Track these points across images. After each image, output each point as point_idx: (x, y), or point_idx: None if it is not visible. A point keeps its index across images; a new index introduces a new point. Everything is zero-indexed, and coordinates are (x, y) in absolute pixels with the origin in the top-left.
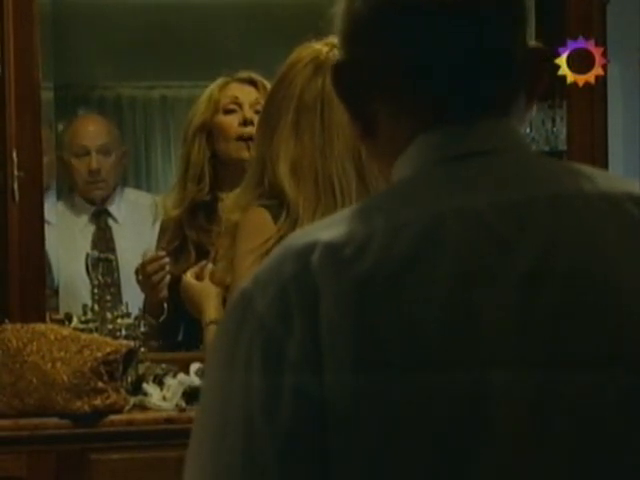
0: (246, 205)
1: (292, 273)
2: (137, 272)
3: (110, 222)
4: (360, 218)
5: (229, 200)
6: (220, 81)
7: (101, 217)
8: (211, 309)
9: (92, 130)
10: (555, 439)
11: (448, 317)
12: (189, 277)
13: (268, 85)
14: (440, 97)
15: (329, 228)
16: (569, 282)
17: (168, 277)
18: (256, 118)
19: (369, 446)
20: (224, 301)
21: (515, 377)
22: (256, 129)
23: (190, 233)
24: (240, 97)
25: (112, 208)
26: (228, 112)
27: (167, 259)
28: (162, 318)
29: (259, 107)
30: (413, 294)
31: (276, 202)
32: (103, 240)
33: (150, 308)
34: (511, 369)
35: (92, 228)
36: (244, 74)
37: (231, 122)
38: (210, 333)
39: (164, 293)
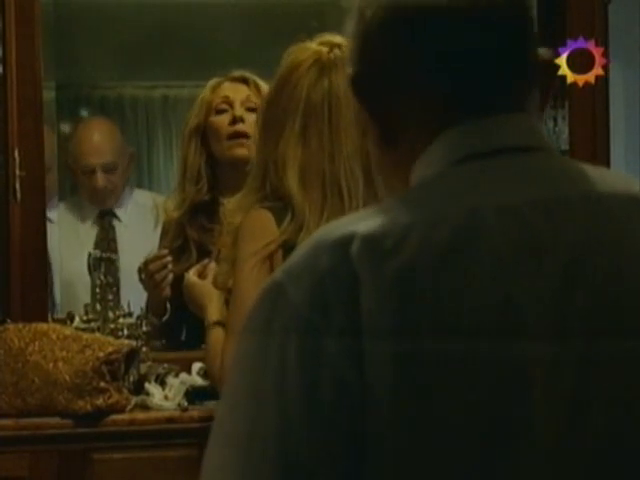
0: (248, 207)
1: (329, 264)
2: (140, 271)
3: (115, 223)
4: (396, 211)
5: (231, 203)
6: (212, 82)
7: (105, 218)
8: (214, 310)
9: (96, 144)
10: (598, 407)
11: (488, 304)
12: (192, 275)
13: (260, 82)
14: (463, 96)
15: (365, 220)
16: (605, 268)
17: (171, 276)
18: (247, 115)
19: (412, 435)
20: (226, 302)
21: (555, 349)
22: (257, 132)
23: (191, 233)
24: (231, 96)
25: (118, 210)
26: (220, 112)
27: (170, 258)
28: (165, 317)
29: (251, 104)
30: (453, 284)
31: (280, 204)
32: (106, 240)
33: (153, 307)
34: (552, 343)
35: (96, 229)
36: (236, 73)
37: (222, 122)
38: (212, 334)
39: (167, 292)
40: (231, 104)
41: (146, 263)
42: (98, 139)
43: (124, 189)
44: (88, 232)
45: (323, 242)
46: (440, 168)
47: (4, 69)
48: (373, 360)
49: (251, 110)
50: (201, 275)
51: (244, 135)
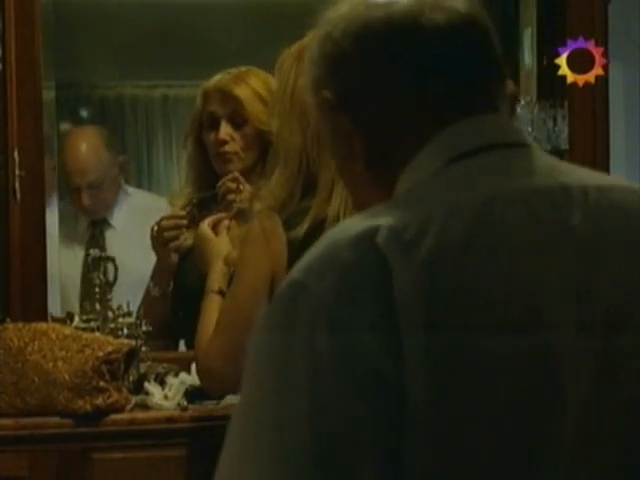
0: (277, 201)
1: (354, 257)
2: (152, 230)
3: (107, 230)
4: (409, 205)
5: (264, 189)
6: (204, 87)
7: (97, 227)
8: (218, 277)
9: (81, 164)
10: (620, 399)
11: (510, 296)
12: (206, 227)
13: (243, 96)
14: (448, 101)
15: (381, 215)
16: (618, 252)
17: (181, 240)
18: (233, 133)
19: (447, 420)
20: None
21: (579, 341)
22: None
23: (199, 216)
24: (216, 112)
25: (111, 217)
26: (208, 128)
27: (185, 222)
28: (169, 289)
29: (237, 119)
30: (478, 269)
31: (299, 208)
32: (96, 247)
33: (158, 275)
34: (575, 333)
35: (87, 235)
36: (223, 80)
37: (210, 140)
38: (211, 302)
39: (172, 258)
40: (217, 121)
41: (161, 220)
42: (82, 157)
43: (117, 196)
44: (83, 235)
45: (342, 238)
46: (436, 167)
47: (4, 69)
48: (410, 351)
49: (237, 125)
50: (214, 228)
51: (230, 153)
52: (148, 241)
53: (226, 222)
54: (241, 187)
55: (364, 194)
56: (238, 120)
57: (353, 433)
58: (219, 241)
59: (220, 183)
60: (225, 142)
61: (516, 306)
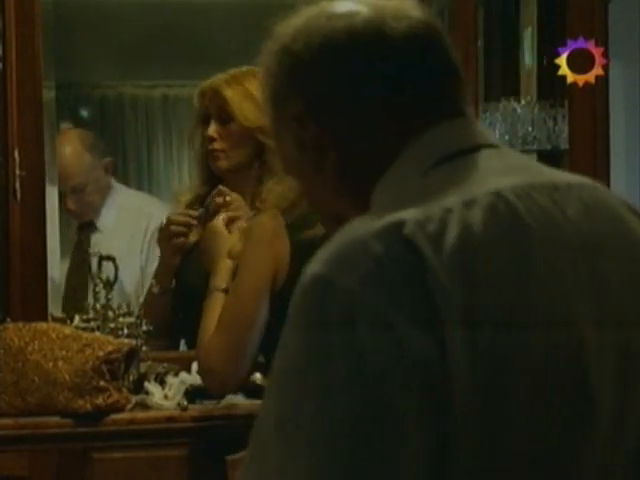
0: (283, 204)
1: (383, 249)
2: (161, 223)
3: (92, 233)
4: (418, 204)
5: (277, 187)
6: (200, 87)
7: (83, 231)
8: (225, 275)
9: (63, 168)
10: (637, 397)
11: (538, 282)
12: (221, 222)
13: (228, 93)
14: (422, 109)
15: (397, 212)
16: (614, 247)
17: (187, 238)
18: (221, 130)
19: (489, 419)
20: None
21: (599, 338)
22: None
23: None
24: (208, 110)
25: (98, 219)
26: (204, 125)
27: (194, 222)
28: (172, 285)
29: (224, 115)
30: (502, 263)
31: (304, 211)
32: (81, 251)
33: (161, 272)
34: (595, 330)
35: (75, 238)
36: (217, 80)
37: (205, 136)
38: (216, 300)
39: (176, 259)
40: (209, 118)
41: (170, 215)
42: (65, 162)
43: (104, 198)
44: (71, 238)
45: (365, 233)
46: (420, 172)
47: (4, 68)
48: (450, 345)
49: (224, 123)
50: (227, 225)
51: (218, 151)
52: (136, 242)
53: (239, 224)
54: (228, 199)
55: (332, 206)
56: (224, 117)
57: (403, 434)
58: (230, 239)
59: (208, 201)
60: (213, 139)
61: (543, 302)
